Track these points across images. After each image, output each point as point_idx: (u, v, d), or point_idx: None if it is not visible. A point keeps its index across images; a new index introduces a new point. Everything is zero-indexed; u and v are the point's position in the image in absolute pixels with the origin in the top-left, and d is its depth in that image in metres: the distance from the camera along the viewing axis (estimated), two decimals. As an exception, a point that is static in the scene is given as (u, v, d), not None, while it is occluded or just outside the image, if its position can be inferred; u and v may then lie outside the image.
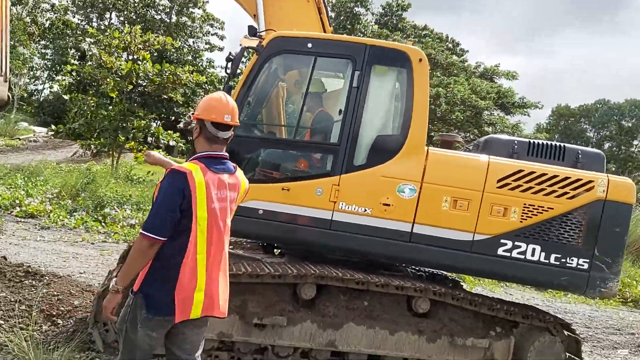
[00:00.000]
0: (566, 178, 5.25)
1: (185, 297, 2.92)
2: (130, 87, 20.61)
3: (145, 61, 20.39)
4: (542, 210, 5.21)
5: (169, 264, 2.94)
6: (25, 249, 8.86)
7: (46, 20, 42.27)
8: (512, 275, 5.45)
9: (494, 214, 5.20)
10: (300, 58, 5.70)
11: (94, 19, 42.32)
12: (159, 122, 24.53)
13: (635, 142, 53.70)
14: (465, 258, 5.23)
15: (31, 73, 40.74)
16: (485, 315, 5.43)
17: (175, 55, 31.92)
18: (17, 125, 31.00)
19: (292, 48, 5.57)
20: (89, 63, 22.72)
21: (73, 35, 41.19)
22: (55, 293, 5.72)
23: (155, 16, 40.04)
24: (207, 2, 39.87)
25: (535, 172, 5.26)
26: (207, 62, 41.19)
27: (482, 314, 5.43)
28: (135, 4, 39.20)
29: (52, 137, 26.40)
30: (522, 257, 5.20)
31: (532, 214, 5.20)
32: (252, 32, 5.67)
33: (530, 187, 5.22)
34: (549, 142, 5.75)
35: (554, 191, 5.22)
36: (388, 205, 5.22)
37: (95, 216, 12.29)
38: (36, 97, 44.57)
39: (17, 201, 12.22)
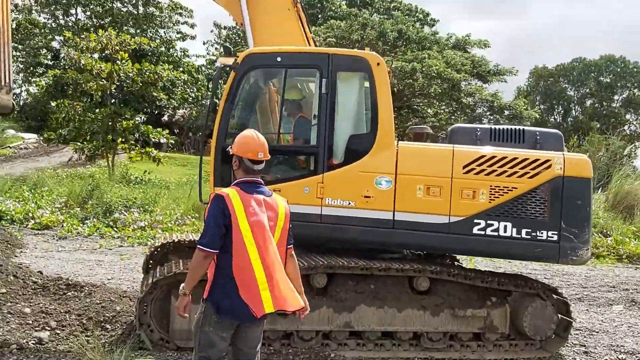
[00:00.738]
0: (525, 159, 5.71)
1: (252, 296, 3.46)
2: (113, 87, 21.05)
3: (124, 61, 20.82)
4: (507, 190, 5.67)
5: (227, 273, 3.52)
6: (51, 260, 9.46)
7: (12, 21, 41.76)
8: (489, 251, 6.00)
9: (465, 197, 5.72)
10: (272, 71, 6.31)
11: (60, 16, 41.85)
12: (143, 117, 24.89)
13: (615, 97, 54.58)
14: (444, 239, 5.79)
15: (6, 76, 40.41)
16: (479, 287, 6.03)
17: (149, 49, 31.97)
18: (5, 134, 31.22)
19: (264, 63, 6.20)
20: (66, 66, 23.04)
21: (41, 35, 40.75)
22: (98, 301, 6.36)
23: (122, 9, 39.68)
24: None
25: (496, 156, 5.76)
26: (181, 52, 41.28)
27: (477, 287, 6.03)
28: (100, -2, 38.75)
29: (44, 144, 26.72)
30: (496, 234, 5.69)
31: (499, 194, 5.68)
32: (228, 51, 6.37)
33: (494, 170, 5.71)
34: (509, 127, 6.27)
35: (515, 172, 5.69)
36: (369, 197, 5.81)
37: (106, 222, 12.90)
38: (15, 100, 44.33)
39: (30, 214, 12.80)
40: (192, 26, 41.81)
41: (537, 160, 5.71)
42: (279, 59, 6.03)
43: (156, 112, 37.24)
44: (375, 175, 5.82)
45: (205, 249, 3.50)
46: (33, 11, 41.64)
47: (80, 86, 21.27)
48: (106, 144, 20.58)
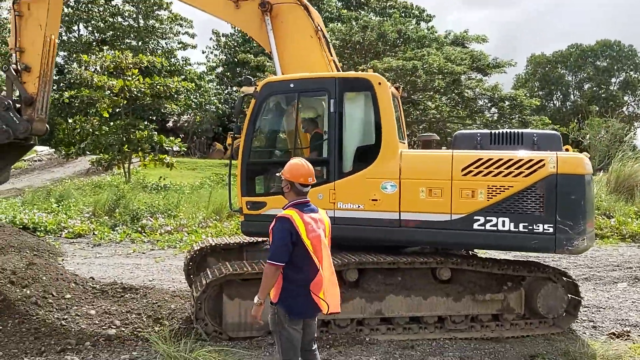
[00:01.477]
0: (520, 160, 6.16)
1: (317, 299, 4.18)
2: (125, 102, 21.87)
3: (135, 77, 21.70)
4: (504, 188, 6.16)
5: (295, 280, 4.19)
6: (92, 266, 10.18)
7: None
8: (490, 244, 6.55)
9: (464, 197, 6.28)
10: (288, 96, 7.09)
11: (63, 33, 42.44)
12: (155, 127, 25.70)
13: (612, 80, 55.07)
14: (447, 235, 6.38)
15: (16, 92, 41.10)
16: (497, 274, 6.72)
17: (160, 66, 32.78)
18: (19, 147, 31.92)
19: (279, 90, 7.08)
20: (73, 81, 23.81)
21: (46, 52, 41.28)
22: (154, 301, 7.09)
23: (124, 22, 40.18)
24: (171, 2, 39.87)
25: (492, 159, 6.26)
26: (183, 61, 41.89)
27: (494, 274, 6.72)
28: (100, 13, 39.18)
29: (63, 158, 27.55)
30: (495, 228, 6.18)
31: (496, 193, 6.18)
32: (248, 82, 7.20)
33: (490, 172, 6.24)
34: (508, 130, 6.85)
35: (510, 172, 6.16)
36: (376, 200, 6.52)
37: (134, 228, 13.63)
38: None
39: (62, 224, 13.52)
40: (193, 36, 42.40)
41: (530, 160, 6.15)
42: (292, 85, 6.92)
43: (161, 118, 37.93)
44: (381, 181, 6.53)
45: (275, 263, 4.15)
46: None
47: (91, 102, 22.05)
48: (122, 154, 21.39)
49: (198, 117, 37.87)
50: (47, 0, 7.35)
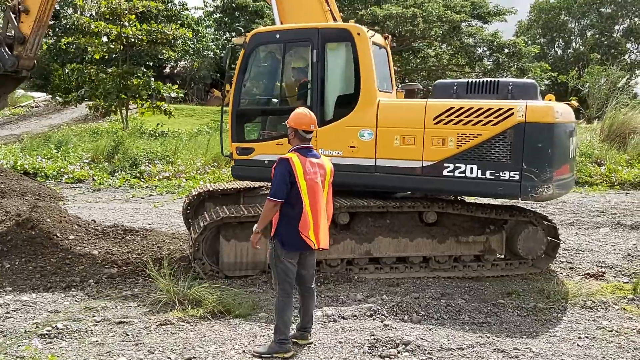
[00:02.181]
0: (489, 109, 6.27)
1: (306, 235, 4.53)
2: (121, 47, 21.70)
3: (132, 23, 21.42)
4: (473, 137, 6.30)
5: (289, 217, 4.54)
6: (93, 210, 10.51)
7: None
8: (458, 190, 6.76)
9: (435, 145, 6.49)
10: (275, 46, 7.29)
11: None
12: (153, 74, 25.61)
13: (616, 27, 54.20)
14: (419, 180, 6.64)
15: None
16: (480, 217, 7.05)
17: (155, 10, 32.11)
18: (15, 94, 31.86)
19: (267, 40, 7.34)
20: (69, 27, 23.47)
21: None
22: (153, 242, 7.47)
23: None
24: None
25: (463, 108, 6.41)
26: (180, 5, 41.07)
27: (477, 217, 7.05)
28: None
29: (61, 105, 27.52)
30: (463, 175, 6.37)
31: (466, 141, 6.34)
32: (239, 32, 7.46)
33: (461, 120, 6.41)
34: (484, 80, 6.94)
35: (480, 121, 6.28)
36: (354, 147, 6.80)
37: (133, 174, 13.92)
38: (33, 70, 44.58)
39: (62, 170, 13.79)
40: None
41: (500, 109, 6.25)
42: (277, 36, 7.16)
43: (158, 65, 37.54)
44: (359, 129, 6.79)
45: (275, 199, 4.52)
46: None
47: (88, 48, 21.87)
48: (119, 101, 21.41)
49: (195, 64, 37.51)
50: None
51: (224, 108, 7.68)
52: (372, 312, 5.47)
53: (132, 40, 21.34)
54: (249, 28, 24.79)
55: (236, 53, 7.59)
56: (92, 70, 21.87)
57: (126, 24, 21.25)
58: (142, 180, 13.62)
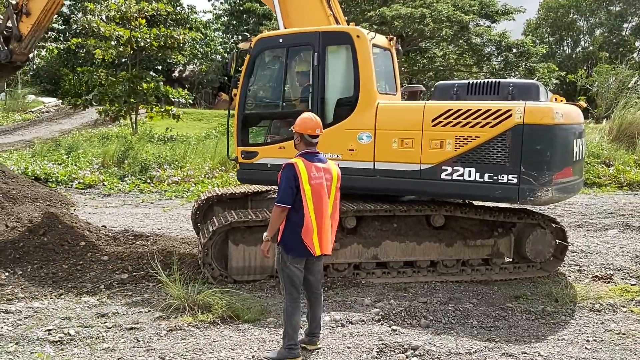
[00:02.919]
0: (487, 110, 6.18)
1: (310, 241, 4.56)
2: (131, 51, 21.86)
3: (141, 27, 21.59)
4: (471, 139, 6.22)
5: (293, 223, 4.57)
6: (104, 216, 10.62)
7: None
8: (456, 193, 6.68)
9: (433, 147, 6.44)
10: (279, 51, 7.34)
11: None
12: (162, 79, 25.78)
13: (625, 25, 53.83)
14: (417, 184, 6.60)
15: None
16: (488, 221, 7.04)
17: (165, 14, 32.37)
18: (26, 99, 32.23)
19: (271, 45, 7.38)
20: (78, 31, 23.66)
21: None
22: (163, 247, 7.55)
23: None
24: None
25: (461, 109, 6.32)
26: (188, 9, 41.31)
27: (485, 221, 7.04)
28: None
29: (71, 109, 27.75)
30: (461, 178, 6.31)
31: (464, 143, 6.27)
32: (245, 38, 7.54)
33: (459, 122, 6.34)
34: (485, 80, 6.89)
35: (478, 122, 6.20)
36: (353, 150, 6.81)
37: (143, 179, 14.04)
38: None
39: (72, 175, 13.93)
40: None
41: (498, 110, 6.15)
42: (280, 40, 7.21)
43: (167, 69, 37.79)
44: (358, 132, 6.81)
45: (282, 205, 4.54)
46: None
47: (97, 52, 22.04)
48: (128, 105, 21.58)
49: (204, 67, 37.71)
50: None
51: (231, 112, 7.76)
52: (380, 316, 5.50)
53: (142, 44, 21.50)
54: (256, 32, 24.89)
55: (241, 58, 7.65)
56: (102, 73, 22.06)
57: (136, 28, 21.40)
58: (152, 185, 13.73)
